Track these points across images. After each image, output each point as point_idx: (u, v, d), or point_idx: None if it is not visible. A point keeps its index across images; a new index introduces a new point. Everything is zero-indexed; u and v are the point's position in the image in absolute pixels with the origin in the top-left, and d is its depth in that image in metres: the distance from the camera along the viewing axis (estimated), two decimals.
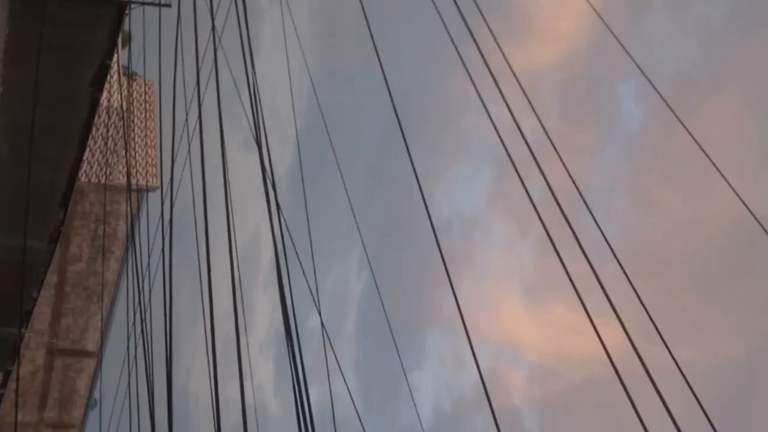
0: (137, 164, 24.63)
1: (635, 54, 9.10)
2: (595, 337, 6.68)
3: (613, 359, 6.50)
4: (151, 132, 25.50)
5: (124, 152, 24.26)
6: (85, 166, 23.57)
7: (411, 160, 7.83)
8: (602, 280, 6.79)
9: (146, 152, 25.07)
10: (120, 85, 22.45)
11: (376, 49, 9.01)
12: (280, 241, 7.28)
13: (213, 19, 9.79)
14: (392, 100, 8.47)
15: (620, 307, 6.73)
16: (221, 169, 8.40)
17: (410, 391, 14.33)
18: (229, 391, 7.17)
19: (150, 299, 10.73)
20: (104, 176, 24.04)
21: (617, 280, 7.05)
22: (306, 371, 6.95)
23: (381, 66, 8.82)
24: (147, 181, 24.22)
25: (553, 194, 7.18)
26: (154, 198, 23.70)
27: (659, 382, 6.21)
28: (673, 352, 6.68)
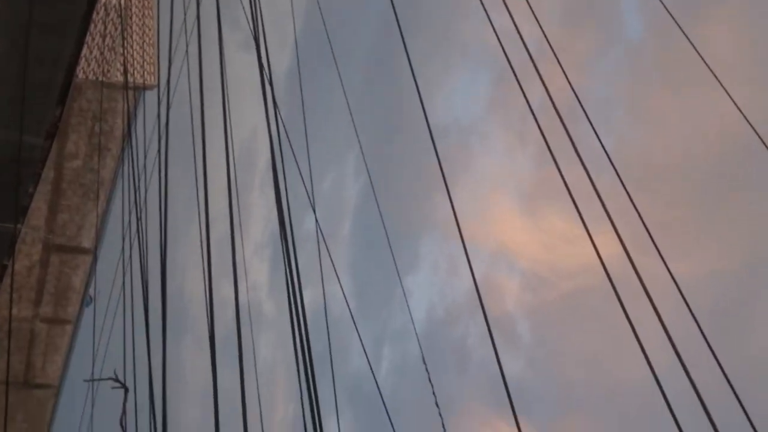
0: (135, 62, 24.47)
1: None
2: (589, 247, 6.70)
3: (607, 269, 6.53)
4: (150, 30, 25.30)
5: (121, 49, 24.09)
6: (83, 62, 23.40)
7: (410, 64, 7.78)
8: (598, 190, 6.79)
9: (144, 50, 24.90)
10: None
11: None
12: (277, 140, 7.26)
13: None
14: (392, 2, 8.39)
15: (615, 217, 6.74)
16: (219, 68, 8.35)
17: (404, 295, 14.41)
18: (224, 290, 7.20)
19: (146, 198, 10.74)
20: (102, 73, 23.89)
21: (613, 190, 7.05)
22: (300, 273, 6.97)
23: None
24: (144, 79, 24.08)
25: (552, 102, 7.15)
26: (151, 96, 23.58)
27: (653, 293, 6.24)
28: (667, 264, 6.70)
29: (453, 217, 7.29)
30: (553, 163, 7.15)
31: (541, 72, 7.61)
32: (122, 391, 10.42)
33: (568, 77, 7.83)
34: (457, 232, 7.25)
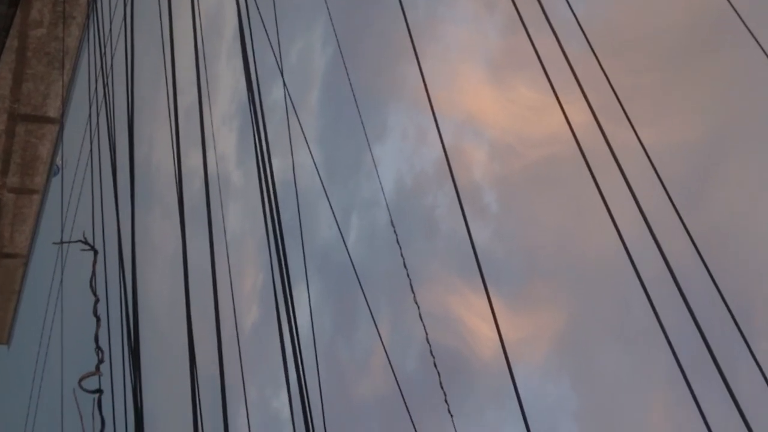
0: None
1: None
2: (558, 116, 6.68)
3: (577, 137, 6.52)
4: None
5: None
6: None
7: None
8: (568, 58, 6.76)
9: None
10: None
11: None
12: (245, 8, 7.17)
13: None
14: None
15: (584, 86, 6.72)
16: None
17: (374, 163, 14.40)
18: (192, 160, 7.17)
19: (112, 66, 10.62)
20: None
21: (582, 59, 7.02)
22: (269, 142, 6.93)
23: None
24: None
25: None
26: None
27: (621, 161, 6.25)
28: (637, 132, 6.71)
29: (422, 86, 7.26)
30: (521, 31, 7.10)
31: None
32: (92, 254, 10.45)
33: None
34: (426, 102, 7.22)
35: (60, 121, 26.34)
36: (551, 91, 6.86)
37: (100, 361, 8.70)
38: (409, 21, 7.66)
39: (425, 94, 7.27)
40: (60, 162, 26.25)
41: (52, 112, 26.90)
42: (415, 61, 7.35)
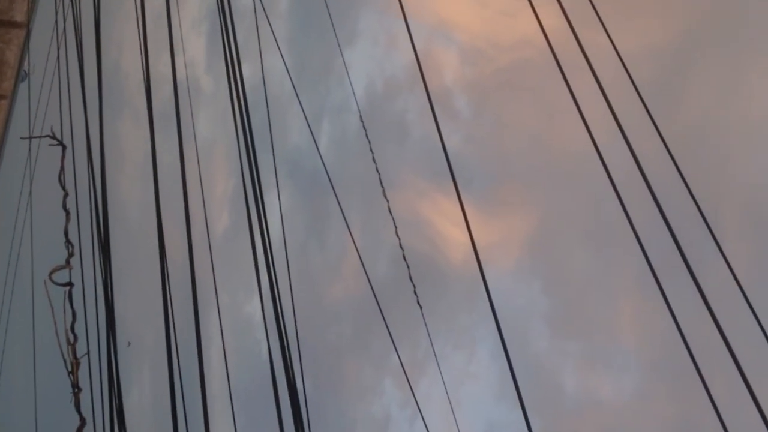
0: None
1: None
2: (529, 20, 6.65)
3: (549, 41, 6.49)
4: None
5: None
6: None
7: None
8: None
9: None
10: None
11: None
12: None
13: None
14: None
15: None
16: None
17: (345, 66, 14.32)
18: (161, 66, 7.10)
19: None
20: None
21: None
22: (239, 47, 6.88)
23: None
24: None
25: None
26: None
27: (593, 64, 6.24)
28: (609, 34, 6.68)
29: None
30: None
31: None
32: (61, 150, 10.42)
33: None
34: (397, 6, 7.17)
35: (27, 26, 25.97)
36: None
37: (70, 254, 8.72)
38: None
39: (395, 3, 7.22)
40: (27, 67, 25.98)
41: (19, 16, 26.51)
42: None
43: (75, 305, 7.91)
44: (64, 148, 10.48)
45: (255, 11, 11.08)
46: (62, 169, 9.92)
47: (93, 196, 6.87)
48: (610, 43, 6.70)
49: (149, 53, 6.98)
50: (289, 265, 10.13)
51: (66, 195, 9.25)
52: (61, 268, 8.43)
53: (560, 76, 6.33)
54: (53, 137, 10.90)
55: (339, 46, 13.97)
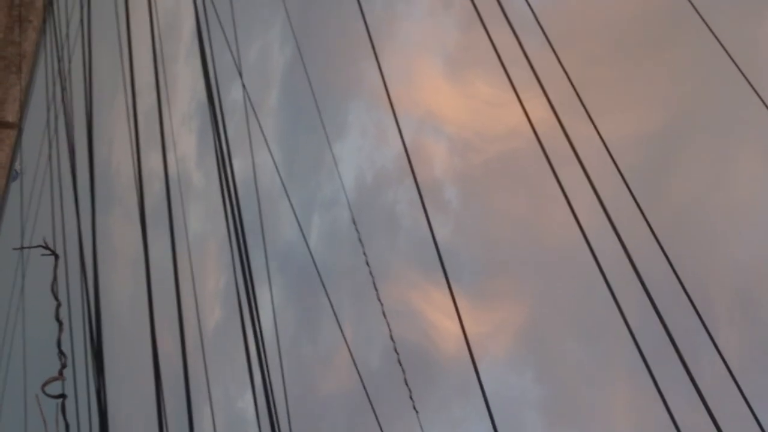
0: None
1: None
2: (515, 111, 6.73)
3: (536, 131, 6.56)
4: None
5: None
6: None
7: None
8: (525, 53, 6.80)
9: None
10: None
11: None
12: (202, 8, 7.17)
13: None
14: None
15: (542, 79, 6.75)
16: None
17: (334, 160, 14.42)
18: (152, 162, 7.15)
19: (70, 69, 10.57)
20: None
21: (538, 53, 7.05)
22: (229, 143, 6.94)
23: None
24: None
25: None
26: None
27: (579, 153, 6.29)
28: (595, 123, 6.75)
29: (380, 83, 7.28)
30: (478, 27, 7.14)
31: None
32: (52, 258, 10.40)
33: None
34: (385, 99, 7.25)
35: (18, 126, 26.17)
36: (509, 87, 6.91)
37: (63, 365, 8.67)
38: (366, 18, 7.68)
39: (384, 91, 7.30)
40: (18, 167, 26.10)
41: (10, 116, 26.74)
42: (374, 58, 7.38)
43: (68, 416, 7.87)
44: (56, 257, 10.47)
45: (246, 107, 11.19)
46: (55, 278, 9.91)
47: (86, 306, 6.88)
48: (596, 131, 6.77)
49: (141, 149, 7.03)
50: (282, 359, 10.12)
51: (59, 305, 9.23)
52: (54, 379, 8.39)
53: (548, 165, 6.39)
54: (46, 247, 10.90)
55: (328, 141, 14.09)
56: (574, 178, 6.26)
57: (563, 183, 6.23)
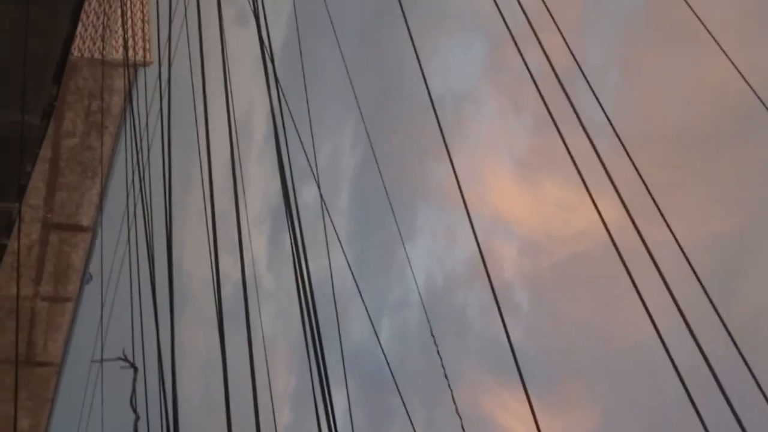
0: (135, 38, 24.47)
1: None
2: (585, 213, 6.75)
3: (603, 236, 6.57)
4: (144, 6, 25.30)
5: (116, 27, 24.11)
6: (77, 40, 23.41)
7: (410, 34, 7.81)
8: (598, 154, 6.83)
9: (140, 26, 24.88)
10: None
11: None
12: (279, 113, 7.30)
13: None
14: None
15: (610, 182, 6.77)
16: (214, 43, 8.37)
17: (409, 262, 14.46)
18: (225, 265, 7.24)
19: (150, 173, 10.76)
20: (99, 50, 23.90)
21: (608, 156, 7.08)
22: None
23: None
24: (144, 57, 24.07)
25: (552, 67, 7.18)
26: (148, 73, 23.56)
27: (642, 256, 6.29)
28: (670, 226, 6.75)
29: (449, 185, 7.35)
30: (547, 129, 7.20)
31: (533, 39, 7.64)
32: (131, 370, 10.42)
33: (560, 44, 7.86)
34: (454, 201, 7.31)
35: (93, 230, 26.54)
36: (578, 189, 6.94)
37: None
38: (434, 122, 7.77)
39: (454, 192, 7.36)
40: (92, 270, 26.43)
41: (85, 220, 27.15)
42: (443, 159, 7.45)
43: None
44: (135, 370, 10.48)
45: (323, 210, 11.29)
46: (134, 391, 9.90)
47: (164, 417, 6.92)
48: (669, 232, 6.77)
49: (212, 252, 7.13)
50: None
51: (137, 418, 9.24)
52: None
53: (618, 267, 6.39)
54: (125, 359, 10.92)
55: (402, 242, 14.14)
56: (646, 280, 6.25)
57: (636, 284, 6.22)
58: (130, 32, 24.13)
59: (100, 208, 25.32)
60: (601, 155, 6.99)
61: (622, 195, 6.77)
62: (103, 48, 23.92)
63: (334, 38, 14.49)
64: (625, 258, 6.40)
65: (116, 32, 24.36)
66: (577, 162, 6.99)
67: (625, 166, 7.23)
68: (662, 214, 6.77)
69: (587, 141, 7.00)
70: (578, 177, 6.96)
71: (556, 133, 7.15)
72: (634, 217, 6.61)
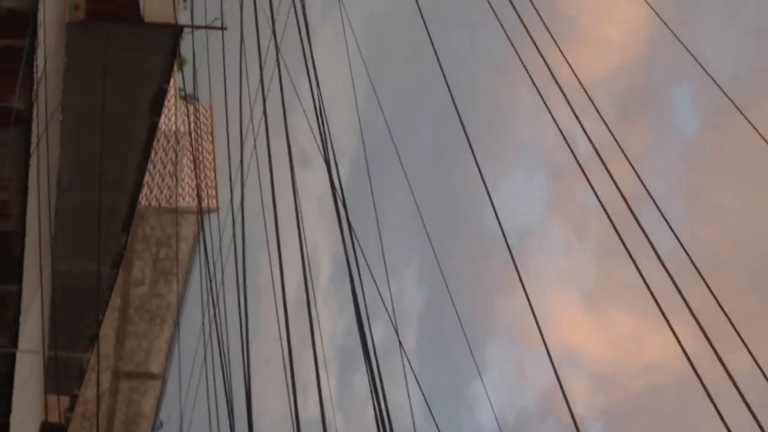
0: (205, 187, 24.88)
1: (689, 56, 9.07)
2: (655, 343, 6.73)
3: (675, 367, 6.51)
4: (209, 154, 25.75)
5: (182, 175, 24.55)
6: (144, 189, 23.83)
7: (480, 173, 7.89)
8: (660, 287, 6.78)
9: (205, 175, 25.29)
10: (177, 109, 22.75)
11: (439, 62, 9.06)
12: (352, 256, 7.37)
13: (276, 38, 9.90)
14: (458, 112, 8.51)
15: (678, 313, 6.71)
16: (279, 188, 8.49)
17: (487, 395, 14.37)
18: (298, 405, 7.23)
19: (219, 319, 10.84)
20: (165, 199, 24.32)
21: (672, 287, 7.00)
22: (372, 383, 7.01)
23: (445, 78, 8.87)
24: (208, 204, 24.43)
25: (623, 197, 7.20)
26: (213, 219, 23.94)
27: (718, 387, 6.21)
28: (731, 357, 6.66)
29: (517, 320, 7.35)
30: (611, 259, 7.22)
31: (597, 170, 7.67)
32: None
33: (626, 174, 7.89)
34: (522, 336, 7.31)
35: (162, 377, 26.64)
36: (647, 319, 6.92)
37: None
38: (500, 256, 7.82)
39: (521, 327, 7.36)
40: (163, 417, 26.47)
41: (155, 368, 27.27)
42: (509, 294, 7.47)
43: None
44: None
45: (401, 350, 11.27)
46: None
47: None
48: (746, 361, 6.70)
49: (284, 394, 7.14)
50: None
51: None
52: None
53: (695, 399, 6.32)
54: None
55: (481, 379, 14.05)
56: (725, 411, 6.17)
57: (712, 416, 6.15)
58: (197, 180, 24.52)
59: (169, 355, 25.46)
60: (667, 285, 6.94)
61: (687, 326, 6.71)
62: (176, 197, 24.33)
63: (396, 176, 14.66)
64: (700, 387, 6.33)
65: (182, 180, 24.78)
66: (643, 291, 6.95)
67: (697, 293, 7.17)
68: (742, 340, 6.68)
69: (653, 270, 6.97)
70: (645, 306, 6.92)
71: (621, 263, 7.14)
72: (702, 347, 6.54)
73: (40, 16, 11.28)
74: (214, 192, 24.86)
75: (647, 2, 9.56)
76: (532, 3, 9.13)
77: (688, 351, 6.56)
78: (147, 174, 22.41)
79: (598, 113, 8.08)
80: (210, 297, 11.38)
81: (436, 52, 9.18)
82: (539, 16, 9.06)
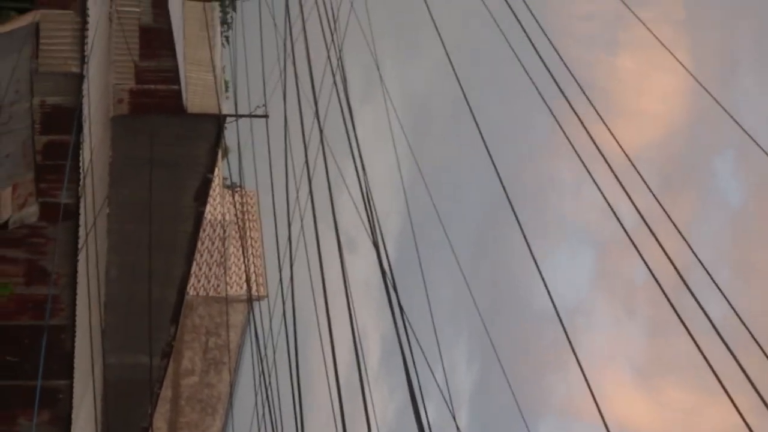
0: (255, 276, 24.92)
1: (730, 124, 9.03)
2: (710, 417, 6.65)
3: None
4: (255, 242, 25.84)
5: (229, 264, 24.65)
6: (192, 279, 23.92)
7: (531, 251, 7.89)
8: (713, 358, 6.71)
9: (253, 262, 25.35)
10: (222, 198, 22.92)
11: (485, 142, 9.08)
12: (406, 341, 7.37)
13: (319, 122, 9.96)
14: (505, 190, 8.53)
15: (733, 385, 6.62)
16: (323, 273, 8.50)
17: None
18: None
19: (273, 408, 10.81)
20: (213, 288, 24.40)
21: (725, 358, 6.91)
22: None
23: (489, 154, 8.89)
24: (258, 291, 24.45)
25: (673, 265, 7.15)
26: (261, 306, 23.93)
27: None
28: None
29: (569, 397, 7.31)
30: (661, 333, 7.17)
31: (643, 243, 7.64)
32: None
33: (675, 246, 7.86)
34: (573, 413, 7.26)
35: None
36: (700, 392, 6.87)
37: None
38: (549, 334, 7.80)
39: (574, 405, 7.32)
40: None
41: None
42: (559, 372, 7.43)
43: None
44: None
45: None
46: None
47: None
48: None
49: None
50: None
51: None
52: None
53: None
54: None
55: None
56: None
57: None
58: (246, 268, 24.59)
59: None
60: (719, 356, 6.87)
61: (745, 396, 6.62)
62: (225, 286, 24.39)
63: (441, 254, 14.64)
64: None
65: (230, 269, 24.85)
66: (696, 365, 6.88)
67: (749, 364, 7.08)
68: None
69: (704, 342, 6.90)
70: (699, 378, 6.87)
71: (670, 335, 7.11)
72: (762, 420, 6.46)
73: (85, 111, 11.43)
74: (262, 279, 24.90)
75: (690, 73, 9.56)
76: (575, 79, 9.16)
77: (740, 424, 6.48)
78: (194, 264, 22.53)
79: (645, 183, 8.06)
80: (262, 383, 11.37)
81: (478, 126, 9.23)
82: (582, 91, 9.09)
